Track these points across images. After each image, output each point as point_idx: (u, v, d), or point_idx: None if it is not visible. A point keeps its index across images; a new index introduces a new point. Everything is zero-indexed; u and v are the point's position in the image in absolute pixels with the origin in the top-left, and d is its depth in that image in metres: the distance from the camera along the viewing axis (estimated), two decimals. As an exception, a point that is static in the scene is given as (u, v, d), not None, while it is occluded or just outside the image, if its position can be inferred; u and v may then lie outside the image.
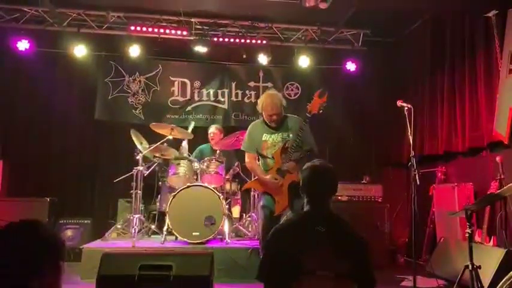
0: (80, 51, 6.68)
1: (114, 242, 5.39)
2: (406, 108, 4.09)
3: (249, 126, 4.37)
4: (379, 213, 5.88)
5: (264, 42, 6.93)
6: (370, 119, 7.41)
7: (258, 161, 4.25)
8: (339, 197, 5.95)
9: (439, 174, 5.79)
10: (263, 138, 4.15)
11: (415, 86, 6.58)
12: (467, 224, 3.32)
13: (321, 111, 4.05)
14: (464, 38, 5.52)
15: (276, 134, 4.14)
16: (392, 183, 6.75)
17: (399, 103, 4.16)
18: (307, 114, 4.06)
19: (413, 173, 3.91)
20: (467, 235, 3.31)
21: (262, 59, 7.06)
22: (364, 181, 6.20)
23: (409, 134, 4.08)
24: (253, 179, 4.56)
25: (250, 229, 5.83)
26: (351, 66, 7.29)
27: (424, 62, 6.42)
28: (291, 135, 4.08)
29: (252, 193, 6.01)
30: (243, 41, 6.87)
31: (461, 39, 5.56)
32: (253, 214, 5.90)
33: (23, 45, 6.56)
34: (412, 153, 3.99)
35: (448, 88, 5.77)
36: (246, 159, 4.29)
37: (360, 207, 5.87)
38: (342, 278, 1.99)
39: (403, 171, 6.55)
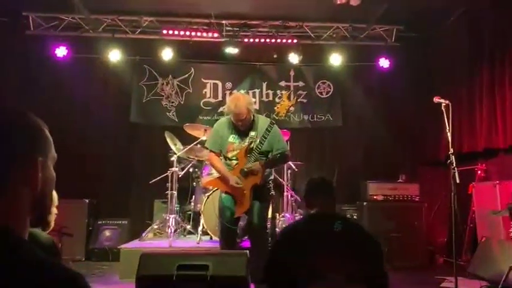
0: (114, 55, 6.86)
1: (151, 242, 5.50)
2: (443, 104, 3.97)
3: (216, 124, 4.19)
4: (416, 212, 5.77)
5: (295, 41, 6.90)
6: (404, 116, 7.24)
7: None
8: (374, 197, 5.86)
9: (479, 172, 5.60)
10: (230, 140, 3.97)
11: (451, 82, 6.37)
12: (511, 222, 3.20)
13: (289, 113, 3.96)
14: (503, 31, 5.31)
15: (244, 136, 3.97)
16: (430, 182, 6.58)
17: (436, 99, 4.05)
18: (275, 116, 3.99)
19: (452, 171, 3.79)
20: (511, 235, 3.19)
21: (293, 58, 7.02)
22: (400, 180, 6.08)
23: (447, 130, 3.95)
24: (212, 177, 4.50)
25: (284, 229, 5.82)
26: (384, 62, 7.17)
27: (461, 56, 6.22)
28: (258, 136, 3.91)
29: (285, 193, 6.00)
30: (273, 40, 6.87)
31: (501, 31, 5.36)
32: (286, 214, 5.89)
33: (60, 52, 6.79)
34: (451, 150, 3.87)
35: (488, 83, 5.57)
36: (208, 156, 4.12)
37: (396, 206, 5.77)
38: (354, 281, 1.94)
39: (440, 170, 6.35)
